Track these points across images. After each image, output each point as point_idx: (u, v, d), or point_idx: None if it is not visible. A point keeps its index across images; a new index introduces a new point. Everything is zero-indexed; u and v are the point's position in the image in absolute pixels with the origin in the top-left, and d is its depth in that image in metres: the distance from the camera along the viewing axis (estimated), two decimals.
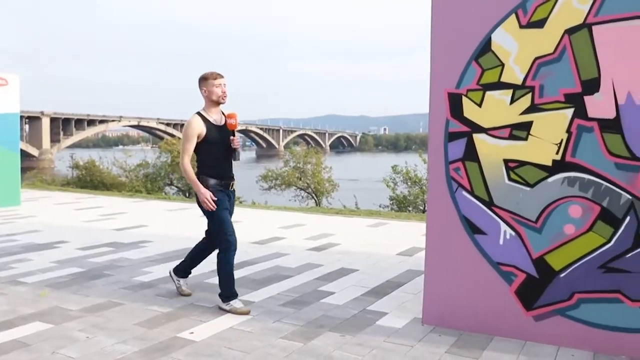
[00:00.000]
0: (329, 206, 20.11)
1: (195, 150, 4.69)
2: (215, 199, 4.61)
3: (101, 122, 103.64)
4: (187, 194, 25.40)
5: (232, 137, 4.77)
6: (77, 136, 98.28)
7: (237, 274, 5.93)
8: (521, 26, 3.92)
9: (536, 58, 3.88)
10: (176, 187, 24.28)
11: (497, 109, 4.00)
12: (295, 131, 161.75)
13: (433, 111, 4.21)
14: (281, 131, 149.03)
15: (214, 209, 4.61)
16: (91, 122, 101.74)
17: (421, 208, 18.12)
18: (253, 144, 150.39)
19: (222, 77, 4.72)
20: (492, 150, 4.04)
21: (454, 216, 4.19)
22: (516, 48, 3.93)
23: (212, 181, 4.67)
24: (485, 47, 4.02)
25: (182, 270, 5.21)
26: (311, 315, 4.64)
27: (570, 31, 3.78)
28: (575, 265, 3.88)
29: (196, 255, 5.14)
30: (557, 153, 3.85)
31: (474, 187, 4.12)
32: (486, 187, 4.08)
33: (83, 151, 44.05)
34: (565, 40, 3.79)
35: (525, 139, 3.93)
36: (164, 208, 11.82)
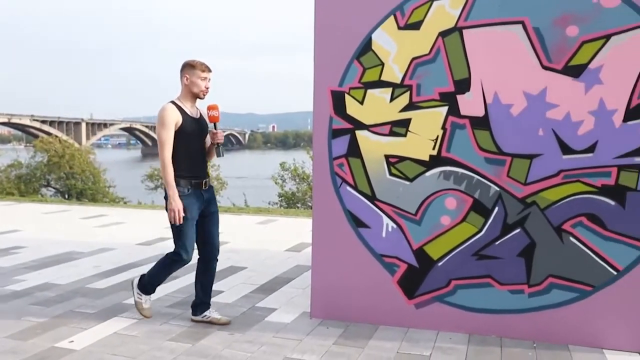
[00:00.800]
0: (218, 204, 19.87)
1: None
2: (184, 214, 4.08)
3: None
4: (66, 196, 23.99)
5: (215, 131, 4.27)
6: None
7: (122, 277, 5.74)
8: (399, 27, 4.10)
9: (413, 58, 4.07)
10: (54, 188, 22.87)
11: (378, 106, 4.16)
12: None
13: (317, 109, 4.30)
14: None
15: (179, 223, 4.09)
16: None
17: (309, 204, 18.37)
18: (138, 142, 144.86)
19: (210, 70, 4.21)
20: (373, 147, 4.20)
21: (338, 211, 4.31)
22: (395, 48, 4.11)
23: (182, 182, 4.11)
24: (366, 46, 4.16)
25: (201, 304, 4.42)
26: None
27: (443, 34, 4.00)
28: (452, 254, 4.13)
29: (202, 278, 4.40)
30: (433, 149, 4.08)
31: (358, 182, 4.26)
32: (369, 182, 4.23)
33: None
34: (439, 42, 4.01)
35: (405, 135, 4.13)
36: (39, 211, 11.08)
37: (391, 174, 4.19)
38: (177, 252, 4.20)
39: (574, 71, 3.78)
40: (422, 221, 4.16)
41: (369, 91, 4.18)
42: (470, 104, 3.98)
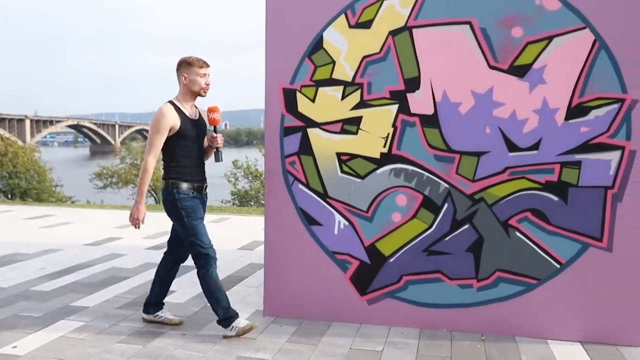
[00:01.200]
0: None
1: (162, 148, 3.96)
2: (143, 224, 3.97)
3: None
4: (9, 196, 23.17)
5: (215, 135, 4.11)
6: None
7: (68, 279, 5.59)
8: (350, 26, 4.12)
9: (364, 57, 4.11)
10: None
11: (330, 104, 4.18)
12: (132, 126, 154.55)
13: (269, 106, 4.29)
14: (117, 126, 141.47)
15: (137, 227, 3.96)
16: None
17: (262, 202, 18.32)
18: (86, 140, 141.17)
19: (208, 66, 4.02)
20: (325, 144, 4.21)
21: (290, 209, 4.31)
22: (346, 46, 4.13)
23: (185, 186, 3.96)
24: (318, 44, 4.17)
25: (155, 304, 4.34)
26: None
27: (393, 33, 4.05)
28: (403, 250, 4.19)
29: (164, 277, 4.31)
30: (384, 146, 4.13)
31: (309, 180, 4.27)
32: (321, 179, 4.25)
33: None
34: (389, 41, 4.06)
35: (356, 133, 4.16)
36: None
37: (343, 171, 4.22)
38: (201, 254, 3.97)
39: (519, 71, 3.89)
40: (374, 218, 4.20)
41: (321, 89, 4.19)
42: (420, 103, 4.05)
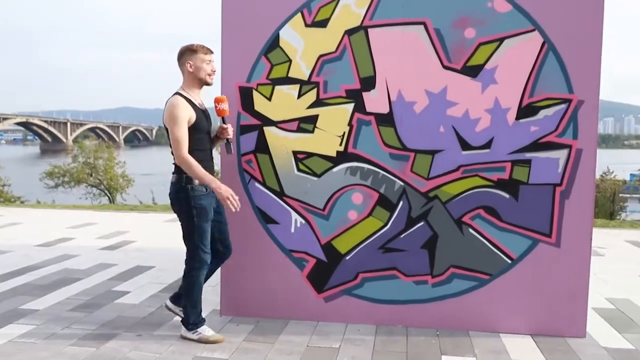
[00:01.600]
0: (124, 203, 19.23)
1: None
2: (237, 197, 3.78)
3: None
4: None
5: (224, 126, 3.93)
6: None
7: (18, 280, 5.44)
8: (306, 25, 4.13)
9: (320, 55, 4.12)
10: None
11: (286, 102, 4.18)
12: (85, 124, 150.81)
13: None
14: (69, 124, 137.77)
15: (237, 210, 3.75)
16: None
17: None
18: (36, 138, 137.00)
19: (212, 52, 3.84)
20: (281, 143, 4.21)
21: (247, 207, 4.29)
22: (302, 45, 4.14)
23: (198, 182, 3.76)
24: (274, 43, 4.17)
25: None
26: (104, 317, 4.41)
27: (349, 32, 4.08)
28: (359, 248, 4.23)
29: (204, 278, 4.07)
30: (340, 145, 4.16)
31: (266, 178, 4.27)
32: (277, 178, 4.25)
33: None
34: (345, 41, 4.09)
35: (312, 131, 4.17)
36: None
37: (299, 169, 4.23)
38: (197, 258, 3.86)
39: (472, 71, 3.98)
40: (330, 216, 4.23)
41: (277, 87, 4.19)
42: (375, 101, 4.09)
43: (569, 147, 3.95)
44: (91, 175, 25.14)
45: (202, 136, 3.83)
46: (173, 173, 3.86)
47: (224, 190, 3.72)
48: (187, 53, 3.81)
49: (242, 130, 4.26)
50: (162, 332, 4.12)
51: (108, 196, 24.65)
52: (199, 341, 3.91)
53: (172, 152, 3.81)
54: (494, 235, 4.08)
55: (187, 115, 3.71)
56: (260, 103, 4.22)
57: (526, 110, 3.96)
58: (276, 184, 4.26)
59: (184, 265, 3.96)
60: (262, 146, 4.24)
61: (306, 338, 4.02)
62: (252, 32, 4.19)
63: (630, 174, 36.79)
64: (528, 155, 3.98)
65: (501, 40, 3.93)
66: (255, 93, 4.22)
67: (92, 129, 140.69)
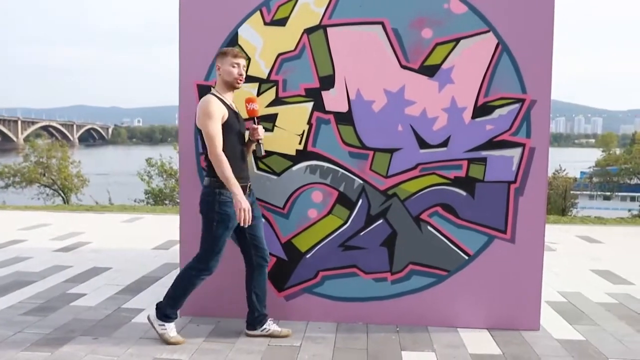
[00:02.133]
0: (79, 203, 18.79)
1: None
2: (251, 214, 3.70)
3: None
4: None
5: (254, 126, 3.88)
6: None
7: None
8: (265, 23, 4.12)
9: (279, 54, 4.12)
10: None
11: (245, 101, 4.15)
12: (37, 122, 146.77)
13: (183, 103, 4.21)
14: (20, 122, 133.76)
15: (245, 224, 3.66)
16: None
17: (178, 201, 17.98)
18: None
19: (243, 56, 3.82)
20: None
21: None
22: (261, 43, 4.13)
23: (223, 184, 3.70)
24: (233, 41, 4.15)
25: (258, 317, 4.02)
26: (59, 321, 4.30)
27: (308, 31, 4.09)
28: (319, 246, 4.24)
29: (257, 287, 4.00)
30: (299, 143, 4.16)
31: None
32: None
33: None
34: (304, 39, 4.10)
35: (272, 130, 4.17)
36: None
37: (258, 168, 4.22)
38: (205, 261, 3.78)
39: (429, 71, 4.04)
40: (290, 215, 4.23)
41: None
42: (334, 100, 4.11)
43: (523, 145, 4.05)
44: (44, 175, 24.46)
45: (233, 137, 3.76)
46: (205, 176, 3.82)
47: (243, 202, 3.63)
48: (218, 56, 3.80)
49: None
50: (119, 334, 4.05)
51: (62, 196, 24.03)
52: (160, 337, 3.87)
53: (202, 155, 3.76)
54: (452, 232, 4.15)
55: (220, 112, 3.67)
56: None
57: (482, 110, 4.05)
58: None
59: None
60: None
61: (267, 337, 4.01)
62: (211, 30, 4.15)
63: (581, 172, 38.00)
64: (483, 153, 4.07)
65: (457, 40, 4.01)
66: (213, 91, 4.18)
67: (44, 128, 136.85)
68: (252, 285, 4.00)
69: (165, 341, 3.86)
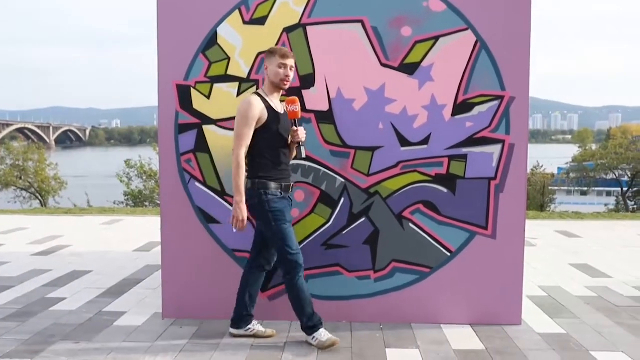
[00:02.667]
0: (57, 206, 18.54)
1: (249, 144, 3.68)
2: (245, 224, 3.70)
3: None
4: None
5: (295, 128, 3.78)
6: None
7: None
8: (244, 22, 4.11)
9: (259, 53, 4.10)
10: None
11: (225, 100, 4.14)
12: (12, 125, 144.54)
13: (162, 103, 4.18)
14: None
15: (240, 230, 3.70)
16: None
17: (158, 202, 17.84)
18: None
19: (291, 56, 3.72)
20: (222, 141, 4.17)
21: (188, 207, 4.23)
22: (241, 43, 4.11)
23: (273, 186, 3.71)
24: (212, 40, 4.12)
25: (246, 317, 4.01)
26: (39, 326, 4.24)
27: (288, 30, 4.08)
28: (302, 245, 4.23)
29: (253, 286, 3.99)
30: None
31: (206, 177, 4.22)
32: (218, 177, 4.21)
33: None
34: (284, 38, 4.09)
35: None
36: None
37: None
38: (289, 261, 3.75)
39: (409, 69, 4.06)
40: None
41: (216, 85, 4.14)
42: (315, 99, 4.11)
43: (502, 142, 4.09)
44: (20, 178, 24.12)
45: (272, 136, 3.72)
46: (247, 178, 3.77)
47: (242, 210, 3.66)
48: (266, 55, 3.75)
49: (181, 129, 4.19)
50: (101, 338, 4.00)
51: (39, 200, 23.72)
52: (320, 347, 3.80)
53: (247, 156, 3.73)
54: (434, 229, 4.18)
55: (255, 115, 3.64)
56: (199, 101, 4.16)
57: (461, 107, 4.08)
58: (217, 184, 4.22)
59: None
60: (201, 145, 4.19)
61: (251, 338, 3.99)
62: (189, 29, 4.12)
63: (558, 168, 38.50)
64: (464, 150, 4.10)
65: (436, 38, 4.03)
66: (193, 91, 4.15)
67: (20, 130, 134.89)
68: (248, 283, 3.97)
69: (324, 347, 3.79)
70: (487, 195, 4.14)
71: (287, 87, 3.79)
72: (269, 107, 3.71)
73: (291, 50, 4.06)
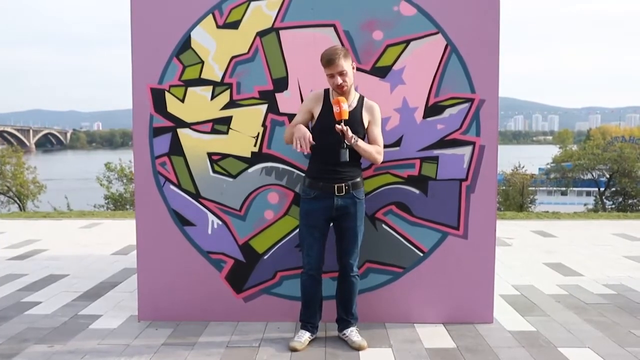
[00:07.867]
0: (36, 210, 18.38)
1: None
2: (312, 143, 3.62)
3: None
4: None
5: (338, 127, 3.62)
6: None
7: None
8: (218, 26, 4.14)
9: (233, 57, 4.14)
10: None
11: (199, 104, 4.17)
12: None
13: (136, 106, 4.20)
14: None
15: (304, 151, 3.61)
16: None
17: None
18: None
19: (334, 64, 3.63)
20: (196, 144, 4.20)
21: (163, 210, 4.25)
22: (214, 46, 4.15)
23: (307, 183, 3.83)
24: (186, 44, 4.15)
25: (341, 320, 4.05)
26: (12, 330, 4.22)
27: (261, 34, 4.13)
28: (276, 247, 4.28)
29: (338, 295, 4.04)
30: (255, 145, 4.19)
31: (181, 180, 4.24)
32: (192, 180, 4.24)
33: None
34: (257, 42, 4.13)
35: (227, 132, 4.19)
36: None
37: (215, 171, 4.23)
38: (302, 259, 3.92)
39: (381, 72, 4.12)
40: (247, 216, 4.25)
41: (190, 89, 4.17)
42: (288, 102, 4.15)
43: (473, 143, 4.17)
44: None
45: (320, 135, 3.71)
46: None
47: (298, 129, 3.68)
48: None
49: (155, 132, 4.21)
50: (76, 341, 4.00)
51: (18, 204, 23.47)
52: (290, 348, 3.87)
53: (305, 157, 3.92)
54: (406, 229, 4.24)
55: (309, 106, 3.84)
56: (173, 105, 4.19)
57: (432, 109, 4.15)
58: (191, 186, 4.25)
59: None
60: (176, 148, 4.21)
61: (226, 338, 4.02)
62: (163, 33, 4.15)
63: (539, 168, 38.93)
64: (435, 152, 4.17)
65: (407, 42, 4.10)
66: (167, 95, 4.18)
67: None
68: (337, 290, 4.04)
69: (291, 350, 3.85)
70: (458, 196, 4.21)
71: (346, 90, 3.74)
72: (328, 104, 3.76)
73: (265, 54, 4.10)
